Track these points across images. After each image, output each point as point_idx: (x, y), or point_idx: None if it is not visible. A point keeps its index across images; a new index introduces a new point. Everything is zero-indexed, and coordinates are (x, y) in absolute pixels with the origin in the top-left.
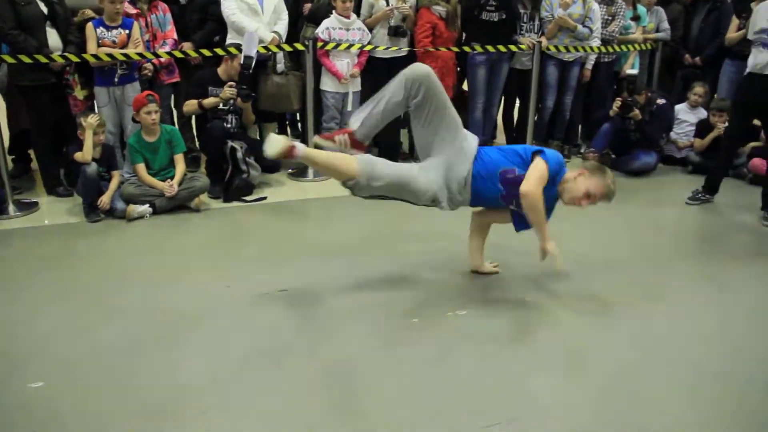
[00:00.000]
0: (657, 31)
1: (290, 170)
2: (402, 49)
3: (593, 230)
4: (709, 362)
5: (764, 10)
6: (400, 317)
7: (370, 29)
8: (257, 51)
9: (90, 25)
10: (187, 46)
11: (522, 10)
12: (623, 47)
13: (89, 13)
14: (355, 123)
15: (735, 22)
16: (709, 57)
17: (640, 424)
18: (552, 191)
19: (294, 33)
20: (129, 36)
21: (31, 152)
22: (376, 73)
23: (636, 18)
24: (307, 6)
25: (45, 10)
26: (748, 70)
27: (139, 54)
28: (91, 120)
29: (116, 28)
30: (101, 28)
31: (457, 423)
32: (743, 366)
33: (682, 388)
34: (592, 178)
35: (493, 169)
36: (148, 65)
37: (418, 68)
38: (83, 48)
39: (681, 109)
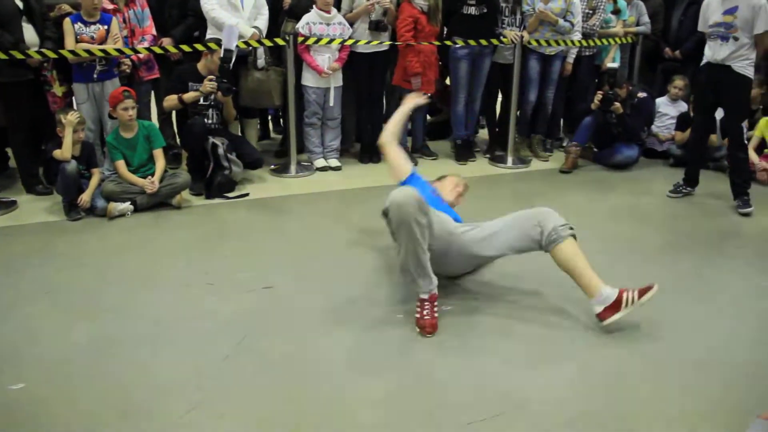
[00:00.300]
0: (637, 24)
1: (272, 166)
2: (383, 43)
3: (576, 224)
4: (695, 355)
5: (714, 3)
6: (384, 313)
7: (351, 24)
8: (237, 46)
9: (68, 20)
10: (166, 41)
11: (503, 4)
12: (604, 41)
13: (66, 8)
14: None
15: None
16: (689, 50)
17: (626, 417)
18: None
19: (275, 28)
20: (108, 31)
21: (9, 150)
22: (357, 67)
23: (616, 12)
24: (287, 1)
25: (20, 5)
26: (705, 60)
27: (118, 50)
28: (71, 117)
29: (94, 23)
30: (79, 23)
31: (442, 419)
32: (729, 358)
33: (669, 382)
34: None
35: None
36: (127, 61)
37: (401, 211)
38: (61, 44)
39: (661, 103)
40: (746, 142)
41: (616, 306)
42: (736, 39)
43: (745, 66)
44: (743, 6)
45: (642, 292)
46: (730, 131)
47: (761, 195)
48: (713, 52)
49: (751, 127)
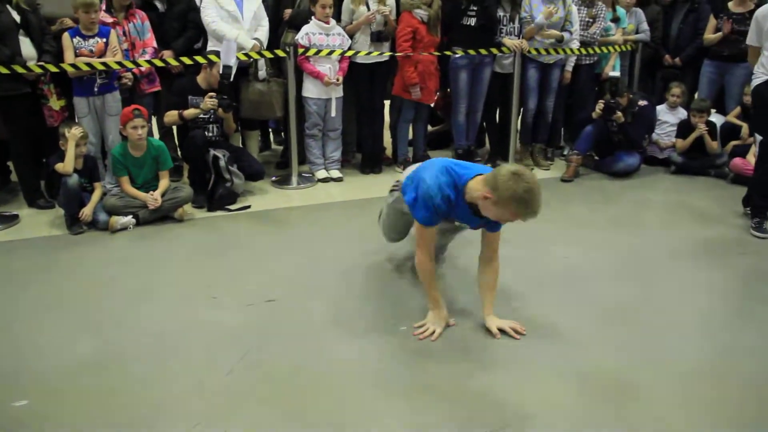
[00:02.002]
0: (636, 32)
1: (274, 178)
2: (383, 54)
3: (578, 232)
4: (698, 364)
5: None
6: (388, 326)
7: (351, 35)
8: (237, 58)
9: (66, 35)
10: (167, 54)
11: (501, 13)
12: (603, 49)
13: (68, 22)
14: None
15: (712, 22)
16: (689, 57)
17: (631, 427)
18: (460, 214)
19: (275, 39)
20: (107, 45)
21: (11, 164)
22: (358, 78)
23: (616, 20)
24: (288, 11)
25: (17, 18)
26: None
27: (119, 63)
28: (75, 131)
29: (93, 37)
30: (77, 37)
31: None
32: (732, 368)
33: (673, 391)
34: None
35: None
36: (128, 74)
37: None
38: (59, 58)
39: (661, 110)
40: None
41: None
42: None
43: None
44: None
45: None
46: (761, 146)
47: None
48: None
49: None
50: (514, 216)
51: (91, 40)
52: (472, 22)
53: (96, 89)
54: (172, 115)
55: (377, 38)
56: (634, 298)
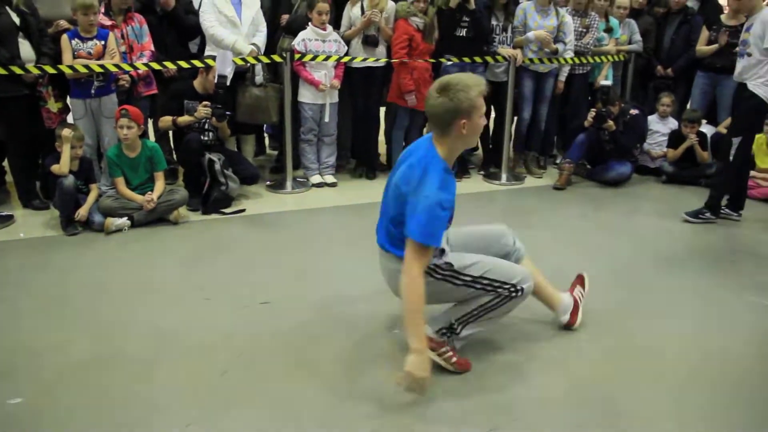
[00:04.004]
0: (629, 42)
1: (268, 182)
2: (379, 60)
3: (569, 239)
4: (688, 369)
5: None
6: (381, 328)
7: (349, 41)
8: (234, 65)
9: (65, 36)
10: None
11: (495, 22)
12: (597, 59)
13: (65, 24)
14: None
15: (705, 34)
16: (681, 68)
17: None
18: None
19: (271, 44)
20: (105, 47)
21: (6, 164)
22: (353, 83)
23: (609, 30)
24: (285, 17)
25: (17, 20)
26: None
27: (117, 65)
28: (66, 133)
29: (91, 39)
30: (76, 39)
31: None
32: (723, 374)
33: (663, 398)
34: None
35: None
36: (125, 77)
37: None
38: (58, 60)
39: (652, 120)
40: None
41: (576, 308)
42: (749, 55)
43: (758, 84)
44: (756, 23)
45: (581, 283)
46: (722, 144)
47: (752, 209)
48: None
49: None
50: (481, 102)
51: (90, 43)
52: (464, 33)
53: (93, 91)
54: (166, 121)
55: (365, 41)
56: (625, 305)
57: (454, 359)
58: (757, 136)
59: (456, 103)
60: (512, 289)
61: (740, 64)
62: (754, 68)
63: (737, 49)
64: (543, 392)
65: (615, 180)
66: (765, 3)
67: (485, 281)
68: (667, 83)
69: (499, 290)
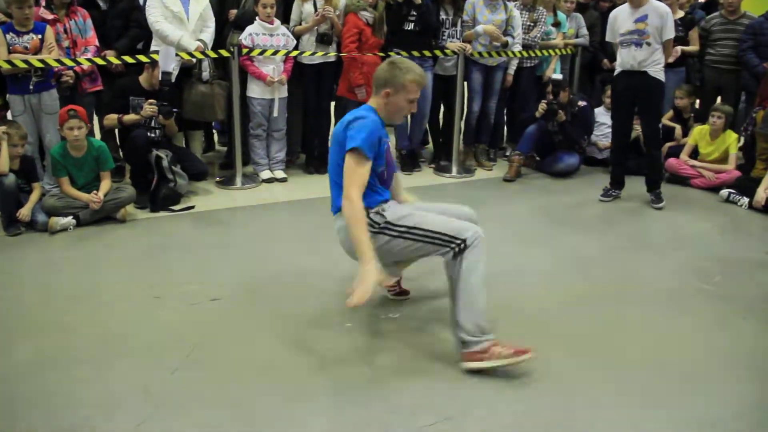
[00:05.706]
0: (576, 36)
1: (218, 179)
2: (328, 54)
3: (519, 231)
4: (638, 360)
5: (623, 14)
6: (333, 322)
7: (299, 37)
8: (180, 59)
9: None
10: (109, 53)
11: (444, 16)
12: (545, 52)
13: (0, 17)
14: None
15: None
16: None
17: (573, 420)
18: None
19: (220, 40)
20: (42, 41)
21: None
22: (304, 78)
23: (556, 24)
24: (233, 12)
25: None
26: (619, 69)
27: (59, 61)
28: (2, 130)
29: (27, 33)
30: (11, 33)
31: (394, 423)
32: (674, 365)
33: (612, 384)
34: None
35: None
36: (69, 72)
37: None
38: None
39: (599, 112)
40: (676, 143)
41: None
42: (648, 44)
43: (659, 70)
44: (652, 14)
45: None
46: (647, 132)
47: (698, 200)
48: (629, 58)
49: (685, 135)
50: (412, 88)
51: (26, 36)
52: (412, 27)
53: (31, 87)
54: (111, 119)
55: (321, 40)
56: (575, 294)
57: (510, 351)
58: (700, 127)
59: (390, 75)
60: (450, 241)
61: (639, 54)
62: (652, 56)
63: (621, 39)
64: (531, 404)
65: (564, 171)
66: None
67: (419, 231)
68: (612, 76)
69: (437, 242)
